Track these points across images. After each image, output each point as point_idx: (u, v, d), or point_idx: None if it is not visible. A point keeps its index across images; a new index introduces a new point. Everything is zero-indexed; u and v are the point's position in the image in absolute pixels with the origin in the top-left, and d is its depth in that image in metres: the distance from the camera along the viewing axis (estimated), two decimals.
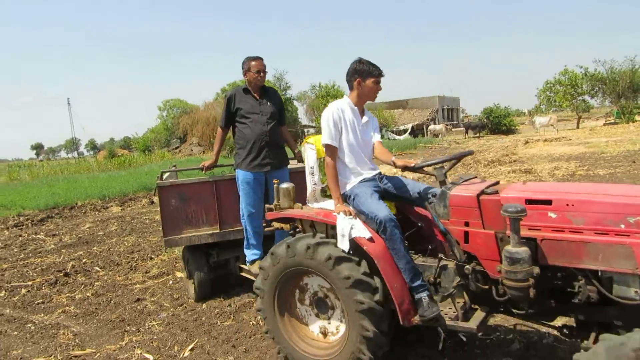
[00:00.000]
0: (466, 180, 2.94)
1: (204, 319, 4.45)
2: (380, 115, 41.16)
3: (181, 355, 3.73)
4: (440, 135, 35.10)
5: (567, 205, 2.43)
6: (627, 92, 33.79)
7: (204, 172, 4.79)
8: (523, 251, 2.39)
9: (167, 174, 5.04)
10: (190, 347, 3.85)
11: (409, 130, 40.48)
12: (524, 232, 2.49)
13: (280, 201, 3.47)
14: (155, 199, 7.26)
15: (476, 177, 3.06)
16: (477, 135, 36.36)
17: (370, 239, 2.84)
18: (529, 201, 2.53)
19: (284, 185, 3.50)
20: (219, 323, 4.31)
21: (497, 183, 2.90)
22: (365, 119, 3.33)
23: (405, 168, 3.11)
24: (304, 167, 3.62)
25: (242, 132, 4.43)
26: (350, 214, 2.97)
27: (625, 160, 12.79)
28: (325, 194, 3.43)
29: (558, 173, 11.63)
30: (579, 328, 2.64)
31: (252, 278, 4.35)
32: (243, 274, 4.72)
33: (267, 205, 3.67)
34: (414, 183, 3.25)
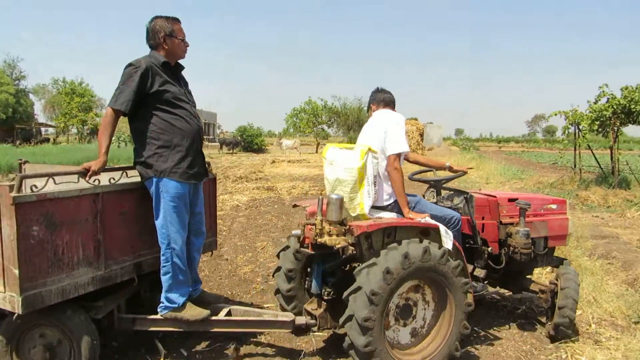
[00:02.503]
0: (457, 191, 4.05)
1: None
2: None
3: None
4: None
5: None
6: (354, 125, 39.65)
7: (87, 179, 2.97)
8: (529, 229, 3.83)
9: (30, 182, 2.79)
10: None
11: None
12: (509, 220, 3.98)
13: (334, 213, 3.09)
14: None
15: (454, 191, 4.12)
16: (231, 151, 37.03)
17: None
18: (510, 199, 4.03)
19: (334, 196, 3.13)
20: None
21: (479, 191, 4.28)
22: None
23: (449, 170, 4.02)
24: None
25: (171, 125, 3.17)
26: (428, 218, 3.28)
27: None
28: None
29: (295, 191, 12.46)
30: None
31: (174, 329, 3.30)
32: (153, 328, 3.31)
33: (306, 224, 3.27)
34: None
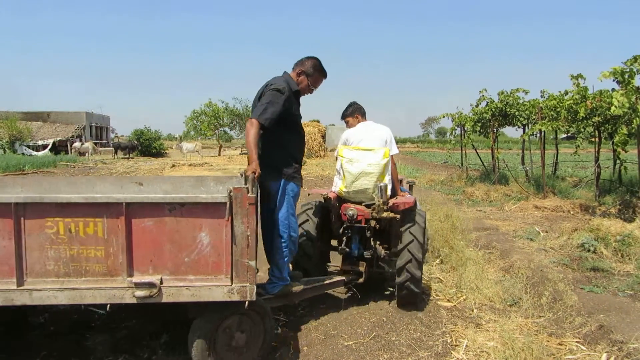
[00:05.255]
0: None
1: None
2: (14, 128, 37.33)
3: None
4: (87, 154, 32.87)
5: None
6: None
7: (256, 181, 3.35)
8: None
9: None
10: None
11: (49, 146, 37.51)
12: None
13: (384, 196, 4.40)
14: None
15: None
16: (127, 156, 36.11)
17: None
18: (400, 180, 5.36)
19: (382, 184, 4.39)
20: None
21: None
22: None
23: None
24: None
25: (297, 140, 4.00)
26: None
27: None
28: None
29: None
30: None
31: (281, 304, 4.00)
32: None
33: (376, 202, 4.38)
34: None
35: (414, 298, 4.49)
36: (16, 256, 2.77)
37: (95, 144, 37.80)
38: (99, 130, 48.13)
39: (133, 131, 41.27)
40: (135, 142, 39.03)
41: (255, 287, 2.98)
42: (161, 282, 2.91)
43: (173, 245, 2.93)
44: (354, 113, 5.03)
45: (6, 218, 2.75)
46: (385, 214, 4.39)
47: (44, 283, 2.83)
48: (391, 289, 4.79)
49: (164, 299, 2.92)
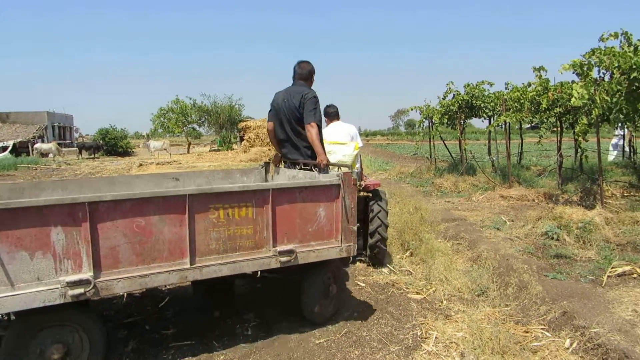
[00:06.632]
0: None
1: None
2: None
3: None
4: (50, 155, 32.30)
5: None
6: (226, 124, 40.19)
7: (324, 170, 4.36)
8: None
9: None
10: None
11: (9, 148, 36.07)
12: None
13: (360, 180, 5.56)
14: None
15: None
16: (92, 156, 35.95)
17: None
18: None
19: (358, 170, 5.66)
20: None
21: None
22: None
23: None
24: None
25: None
26: None
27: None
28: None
29: None
30: None
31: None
32: None
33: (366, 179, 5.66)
34: None
35: (382, 255, 5.75)
36: (189, 240, 3.28)
37: (59, 144, 36.73)
38: (62, 130, 46.67)
39: (98, 130, 40.49)
40: (101, 141, 38.28)
41: (356, 245, 3.96)
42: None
43: (301, 220, 3.73)
44: (331, 116, 6.21)
45: (180, 208, 3.24)
46: (361, 194, 5.53)
47: (209, 260, 3.40)
48: (361, 257, 5.97)
49: (299, 261, 3.73)
